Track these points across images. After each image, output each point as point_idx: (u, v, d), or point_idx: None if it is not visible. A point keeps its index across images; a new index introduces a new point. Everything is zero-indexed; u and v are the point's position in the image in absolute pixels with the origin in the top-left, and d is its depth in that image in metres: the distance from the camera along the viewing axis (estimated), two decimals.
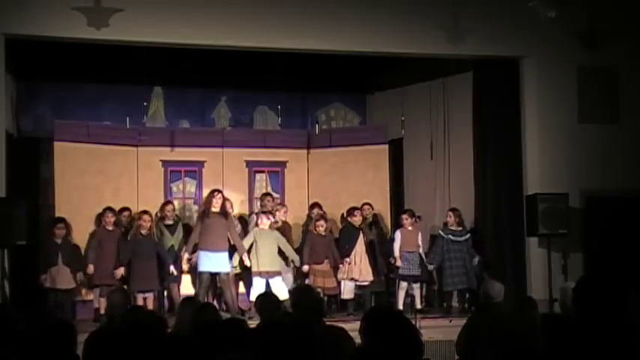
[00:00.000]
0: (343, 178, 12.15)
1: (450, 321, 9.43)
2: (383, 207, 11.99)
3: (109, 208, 10.71)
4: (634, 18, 10.87)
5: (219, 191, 10.59)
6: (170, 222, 10.93)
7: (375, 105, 13.78)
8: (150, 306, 10.03)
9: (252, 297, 10.05)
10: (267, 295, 6.81)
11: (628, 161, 10.86)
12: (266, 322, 3.93)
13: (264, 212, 10.74)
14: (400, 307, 10.49)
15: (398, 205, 12.57)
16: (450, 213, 10.93)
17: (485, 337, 5.21)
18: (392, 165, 12.59)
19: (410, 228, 10.88)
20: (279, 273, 10.38)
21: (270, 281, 10.27)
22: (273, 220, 10.62)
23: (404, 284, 10.79)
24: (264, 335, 3.46)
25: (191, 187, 12.07)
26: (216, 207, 10.30)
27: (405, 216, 11.02)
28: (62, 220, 10.52)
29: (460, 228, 10.84)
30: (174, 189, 12.07)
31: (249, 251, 10.43)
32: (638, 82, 11.02)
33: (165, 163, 11.93)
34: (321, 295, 9.69)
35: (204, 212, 10.32)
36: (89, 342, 4.32)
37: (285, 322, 3.55)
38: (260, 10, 10.10)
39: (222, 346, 4.17)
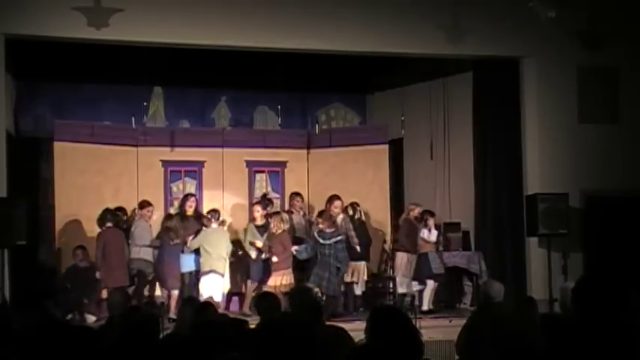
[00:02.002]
0: (343, 178, 12.13)
1: (450, 321, 9.43)
2: (383, 207, 11.99)
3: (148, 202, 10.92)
4: (634, 18, 10.87)
5: (193, 195, 11.13)
6: None
7: (375, 105, 13.78)
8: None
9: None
10: (267, 295, 6.80)
11: (628, 161, 10.86)
12: (266, 322, 3.93)
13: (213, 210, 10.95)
14: (425, 307, 10.52)
15: (398, 205, 12.58)
16: (319, 219, 10.41)
17: (485, 337, 5.20)
18: (392, 165, 12.58)
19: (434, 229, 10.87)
20: None
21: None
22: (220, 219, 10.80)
23: (430, 282, 10.76)
24: (264, 335, 3.45)
25: (191, 187, 12.07)
26: (190, 211, 10.74)
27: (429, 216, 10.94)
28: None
29: (332, 230, 10.31)
30: (175, 189, 12.07)
31: None
32: (638, 82, 11.03)
33: (166, 163, 11.93)
34: (319, 294, 9.75)
35: (182, 216, 10.70)
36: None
37: (285, 322, 3.54)
38: (260, 10, 10.10)
39: (223, 346, 4.17)
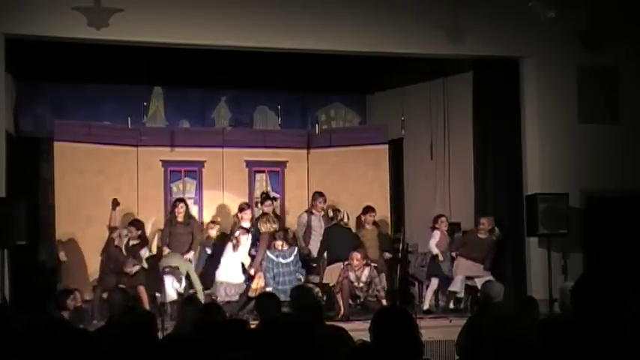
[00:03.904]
0: (343, 178, 12.14)
1: (450, 321, 9.43)
2: (383, 207, 11.98)
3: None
4: (634, 18, 10.87)
5: (182, 200, 11.07)
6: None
7: (375, 105, 13.78)
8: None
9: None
10: (267, 295, 6.81)
11: (628, 161, 10.86)
12: (266, 322, 3.93)
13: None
14: (427, 306, 10.60)
15: (398, 205, 12.57)
16: (279, 242, 10.41)
17: (485, 337, 5.21)
18: (392, 165, 12.59)
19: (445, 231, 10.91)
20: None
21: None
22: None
23: (435, 282, 10.77)
24: (265, 335, 3.46)
25: (191, 187, 12.07)
26: (180, 217, 10.79)
27: (443, 219, 10.97)
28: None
29: (286, 247, 10.41)
30: (175, 189, 12.07)
31: None
32: (638, 82, 11.02)
33: (165, 163, 11.93)
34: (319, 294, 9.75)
35: (170, 221, 10.86)
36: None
37: (285, 323, 3.55)
38: (260, 10, 10.10)
39: (224, 347, 4.17)
